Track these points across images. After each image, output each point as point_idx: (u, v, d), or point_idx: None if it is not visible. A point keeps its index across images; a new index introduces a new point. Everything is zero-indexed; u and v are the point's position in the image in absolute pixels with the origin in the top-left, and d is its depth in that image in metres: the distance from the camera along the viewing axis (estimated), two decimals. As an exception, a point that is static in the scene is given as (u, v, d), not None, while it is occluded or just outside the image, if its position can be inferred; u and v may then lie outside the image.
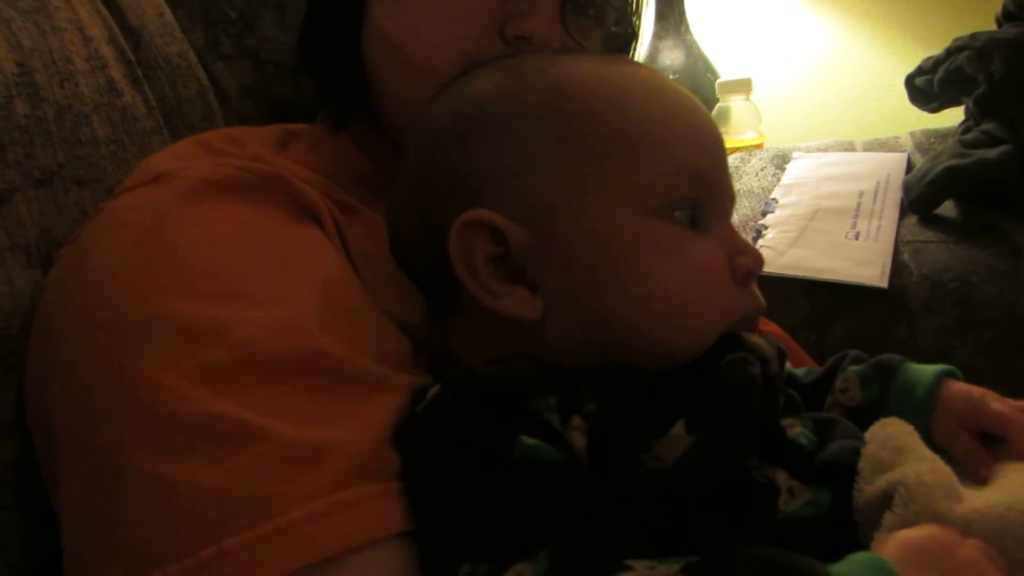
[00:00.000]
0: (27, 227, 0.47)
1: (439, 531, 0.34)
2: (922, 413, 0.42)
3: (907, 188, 0.93)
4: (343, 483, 0.34)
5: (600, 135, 0.39)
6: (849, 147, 1.09)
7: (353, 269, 0.45)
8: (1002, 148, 0.88)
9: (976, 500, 0.35)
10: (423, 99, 0.44)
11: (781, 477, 0.37)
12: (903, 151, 1.04)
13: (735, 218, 0.73)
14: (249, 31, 0.72)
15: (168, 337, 0.36)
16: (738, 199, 0.87)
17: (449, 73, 0.45)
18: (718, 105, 1.22)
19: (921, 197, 0.90)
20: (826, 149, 1.09)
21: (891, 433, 0.38)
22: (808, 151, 1.08)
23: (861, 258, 0.86)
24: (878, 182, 0.97)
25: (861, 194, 0.96)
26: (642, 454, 0.35)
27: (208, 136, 0.52)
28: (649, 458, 0.35)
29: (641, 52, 1.08)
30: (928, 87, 0.99)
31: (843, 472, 0.37)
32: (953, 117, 1.03)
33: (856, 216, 0.92)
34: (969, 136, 0.93)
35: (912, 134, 1.09)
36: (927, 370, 0.44)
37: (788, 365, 0.48)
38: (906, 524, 0.34)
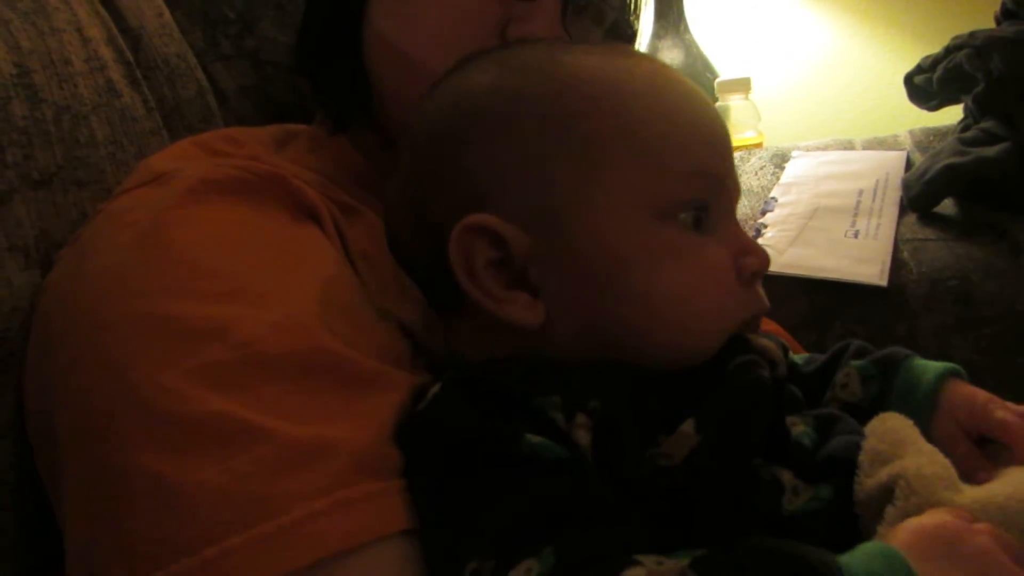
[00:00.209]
0: (26, 228, 0.47)
1: (444, 529, 0.34)
2: (922, 414, 0.41)
3: (906, 186, 0.93)
4: (345, 481, 0.34)
5: (605, 136, 0.38)
6: (848, 146, 1.09)
7: (352, 269, 0.45)
8: (1001, 146, 0.88)
9: (976, 492, 0.35)
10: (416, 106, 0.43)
11: (786, 476, 0.37)
12: (902, 149, 1.04)
13: (734, 217, 0.73)
14: (248, 32, 0.72)
15: (169, 337, 0.36)
16: (738, 198, 0.86)
17: None
18: (717, 104, 1.22)
19: (920, 195, 0.90)
20: (825, 148, 1.09)
21: (891, 427, 0.38)
22: (807, 150, 1.08)
23: (861, 256, 0.86)
24: (877, 180, 0.97)
25: (860, 192, 0.96)
26: (650, 449, 0.35)
27: (207, 136, 0.52)
28: (657, 454, 0.35)
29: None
30: (927, 85, 0.99)
31: (844, 466, 0.37)
32: (952, 115, 1.03)
33: (855, 214, 0.92)
34: (968, 134, 0.93)
35: (911, 132, 1.09)
36: (929, 369, 0.43)
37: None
38: (908, 516, 0.33)
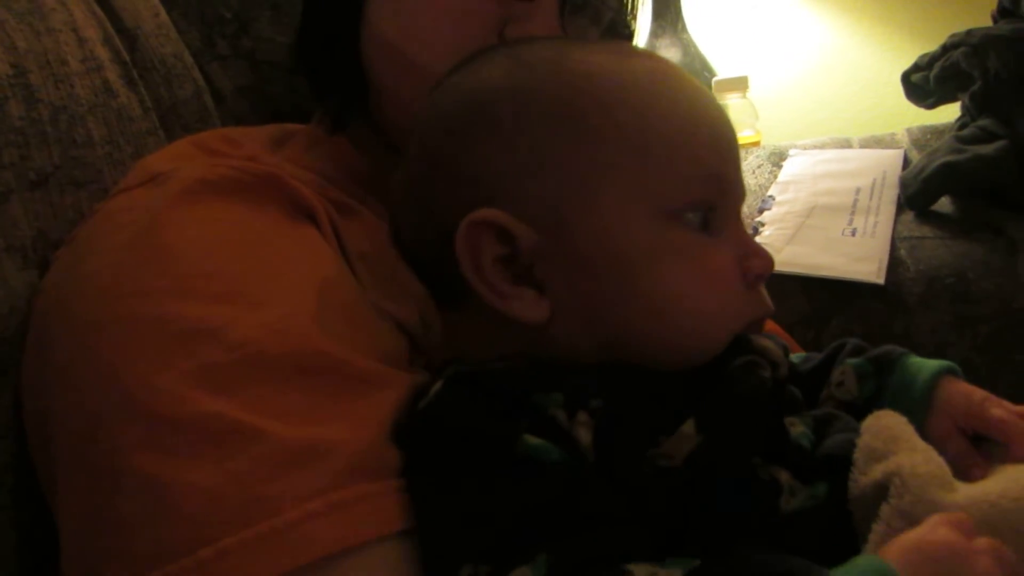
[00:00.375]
0: (23, 229, 0.47)
1: (440, 530, 0.34)
2: (918, 412, 0.41)
3: (904, 184, 0.93)
4: (341, 482, 0.34)
5: (616, 136, 0.38)
6: (846, 144, 1.10)
7: (349, 268, 0.45)
8: (998, 144, 0.88)
9: (971, 490, 0.35)
10: (421, 101, 0.43)
11: (784, 476, 0.37)
12: (899, 148, 1.05)
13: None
14: (245, 31, 0.72)
15: (164, 338, 0.36)
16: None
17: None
18: (715, 103, 1.22)
19: (917, 193, 0.90)
20: (823, 146, 1.09)
21: (885, 424, 0.38)
22: (805, 148, 1.08)
23: (858, 254, 0.86)
24: (875, 179, 0.97)
25: (858, 191, 0.96)
26: (650, 450, 0.35)
27: (204, 136, 0.52)
28: (658, 455, 0.35)
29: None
30: (924, 83, 0.99)
31: (840, 464, 0.37)
32: (949, 113, 1.03)
33: (853, 213, 0.92)
34: (965, 132, 0.94)
35: (909, 131, 1.09)
36: (925, 367, 0.43)
37: None
38: (902, 514, 0.33)
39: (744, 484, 0.36)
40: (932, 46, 0.99)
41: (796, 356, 0.49)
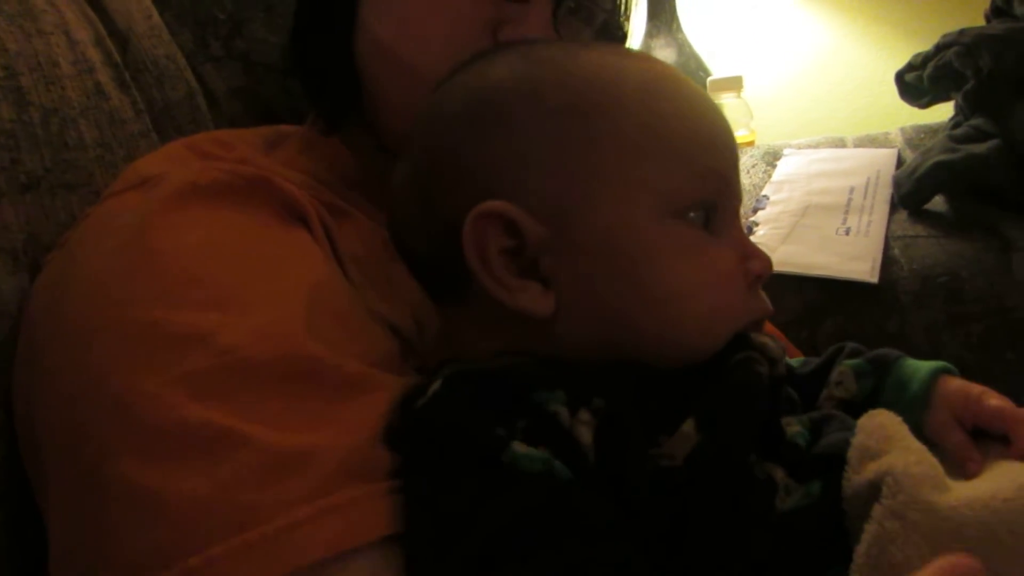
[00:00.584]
0: (13, 232, 0.47)
1: (426, 535, 0.34)
2: (916, 408, 0.42)
3: (897, 183, 0.93)
4: (328, 488, 0.34)
5: (624, 133, 0.39)
6: (840, 143, 1.10)
7: (342, 271, 0.45)
8: (991, 143, 0.88)
9: (963, 490, 0.35)
10: (416, 102, 0.43)
11: (779, 474, 0.37)
12: (893, 147, 1.05)
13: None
14: (238, 33, 0.72)
15: (153, 345, 0.36)
16: (729, 196, 0.86)
17: (442, 76, 0.44)
18: (709, 103, 1.22)
19: (911, 192, 0.90)
20: (817, 146, 1.10)
21: (880, 423, 0.38)
22: (799, 148, 1.08)
23: (852, 253, 0.86)
24: (868, 178, 0.98)
25: (852, 190, 0.96)
26: (651, 450, 0.35)
27: (196, 139, 0.52)
28: (659, 455, 0.35)
29: (631, 50, 1.08)
30: (918, 83, 0.99)
31: (835, 462, 0.37)
32: (943, 113, 1.03)
33: (847, 212, 0.93)
34: (958, 131, 0.94)
35: (902, 130, 1.09)
36: (923, 366, 0.44)
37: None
38: (894, 514, 0.33)
39: (741, 482, 0.36)
40: (926, 45, 0.99)
41: (795, 360, 0.50)
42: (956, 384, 0.42)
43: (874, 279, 0.83)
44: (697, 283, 0.38)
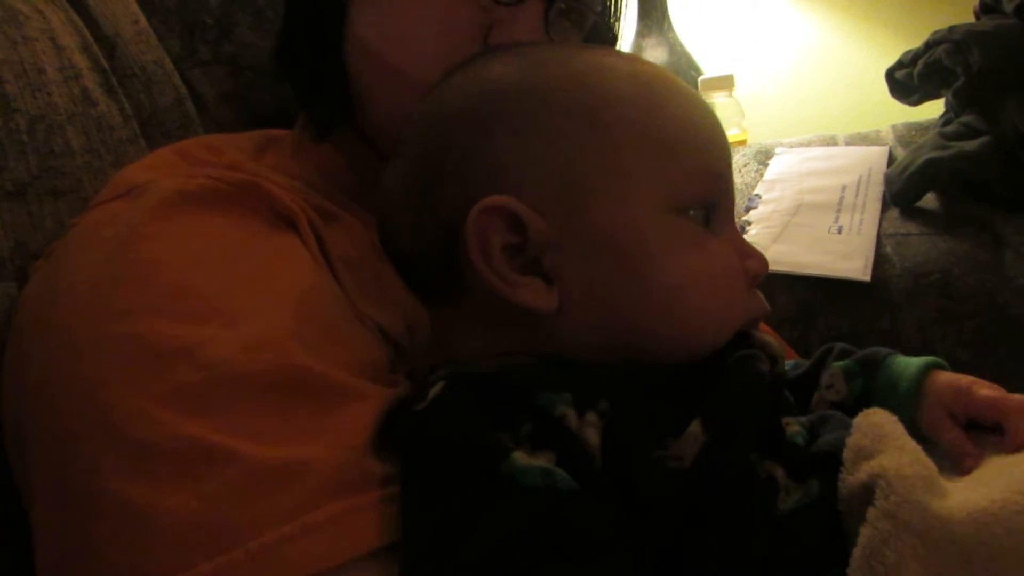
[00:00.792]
0: (0, 240, 0.47)
1: (427, 542, 0.33)
2: (908, 405, 0.42)
3: (889, 181, 0.93)
4: (315, 502, 0.34)
5: (627, 131, 0.39)
6: (831, 141, 1.10)
7: (333, 275, 0.45)
8: (981, 140, 0.88)
9: (960, 496, 0.35)
10: (406, 105, 0.43)
11: (779, 473, 0.37)
12: (884, 144, 1.05)
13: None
14: (226, 37, 0.72)
15: (139, 359, 0.36)
16: (721, 196, 0.86)
17: (432, 81, 0.44)
18: (701, 102, 1.22)
19: (903, 190, 0.91)
20: (808, 144, 1.10)
21: (874, 422, 0.38)
22: (791, 146, 1.09)
23: (844, 252, 0.86)
24: (860, 176, 0.98)
25: (843, 188, 0.96)
26: (658, 452, 0.35)
27: (186, 144, 0.52)
28: (666, 457, 0.35)
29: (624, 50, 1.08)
30: (908, 80, 0.99)
31: (833, 461, 0.37)
32: (934, 110, 1.04)
33: (839, 210, 0.93)
34: (949, 128, 0.94)
35: (893, 127, 1.09)
36: (913, 362, 0.44)
37: None
38: (887, 515, 0.33)
39: (746, 482, 0.36)
40: (916, 43, 0.99)
41: (787, 363, 0.50)
42: (946, 378, 0.42)
43: (866, 277, 0.83)
44: (703, 276, 0.38)
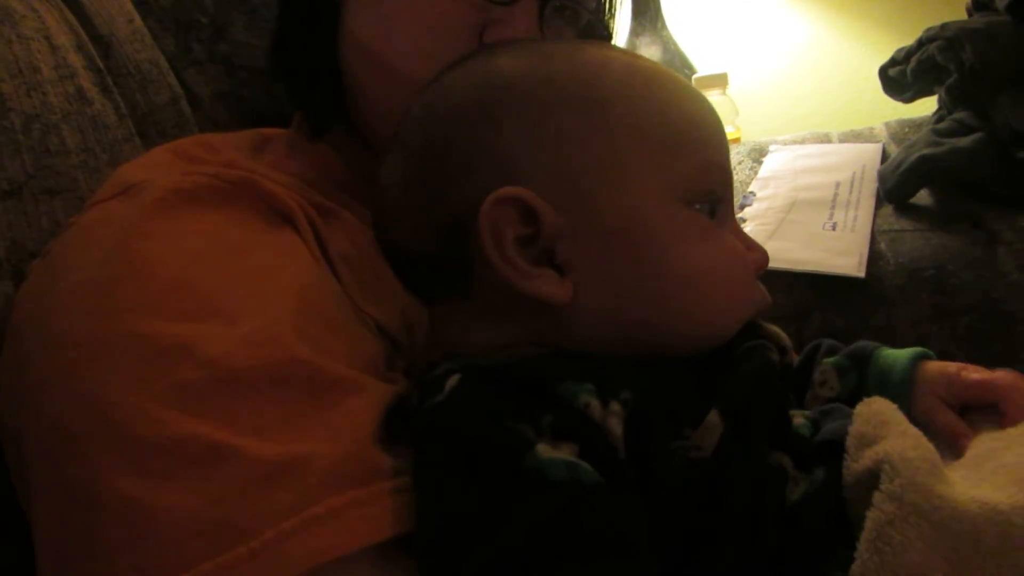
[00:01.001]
0: (-4, 239, 0.47)
1: (446, 536, 0.33)
2: (901, 395, 0.42)
3: (882, 178, 0.94)
4: (316, 497, 0.33)
5: (637, 123, 0.39)
6: (825, 139, 1.10)
7: (331, 271, 0.45)
8: (975, 136, 0.89)
9: (962, 482, 0.35)
10: (401, 104, 0.43)
11: (787, 462, 0.37)
12: (878, 142, 1.05)
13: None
14: (221, 36, 0.72)
15: (139, 357, 0.36)
16: (716, 193, 0.86)
17: (427, 79, 0.43)
18: (695, 100, 1.22)
19: (896, 186, 0.91)
20: (802, 141, 1.10)
21: (876, 409, 0.38)
22: (784, 144, 1.09)
23: (838, 248, 0.86)
24: (854, 173, 0.98)
25: (837, 185, 0.97)
26: (678, 442, 0.35)
27: (182, 143, 0.52)
28: (687, 447, 0.35)
29: (617, 49, 1.08)
30: (901, 77, 1.00)
31: (837, 449, 0.37)
32: (927, 107, 1.04)
33: (833, 207, 0.93)
34: (942, 125, 0.94)
35: (887, 124, 1.09)
36: (902, 354, 0.44)
37: None
38: (892, 497, 0.33)
39: (760, 472, 0.36)
40: (908, 40, 1.00)
41: None
42: (935, 366, 0.43)
43: (861, 273, 0.83)
44: (714, 266, 0.39)
